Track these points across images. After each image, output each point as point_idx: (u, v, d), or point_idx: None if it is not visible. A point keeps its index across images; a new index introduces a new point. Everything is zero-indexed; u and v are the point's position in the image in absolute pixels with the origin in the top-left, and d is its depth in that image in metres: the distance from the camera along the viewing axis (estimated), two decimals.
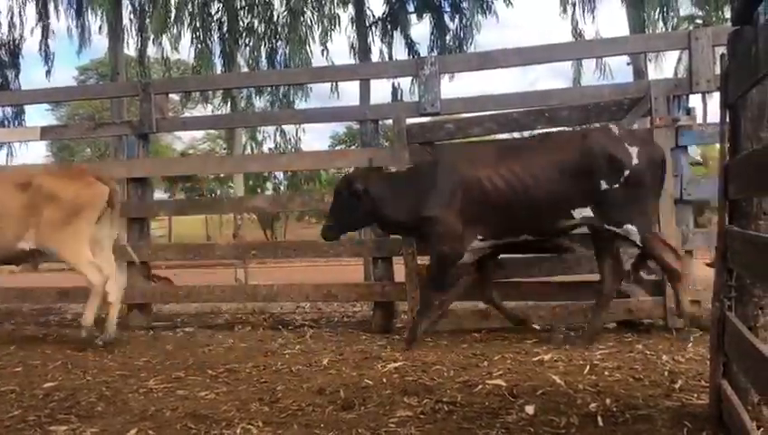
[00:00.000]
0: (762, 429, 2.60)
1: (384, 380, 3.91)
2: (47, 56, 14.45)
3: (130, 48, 14.60)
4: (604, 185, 4.43)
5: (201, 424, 3.19)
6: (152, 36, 14.38)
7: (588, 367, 4.00)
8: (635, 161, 4.41)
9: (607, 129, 4.71)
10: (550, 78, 59.56)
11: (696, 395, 3.32)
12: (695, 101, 5.35)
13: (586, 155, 4.48)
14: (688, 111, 5.26)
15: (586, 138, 4.59)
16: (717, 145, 3.29)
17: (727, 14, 13.77)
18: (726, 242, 2.64)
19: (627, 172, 4.40)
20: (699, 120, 5.38)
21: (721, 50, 2.86)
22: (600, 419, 3.04)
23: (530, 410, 3.21)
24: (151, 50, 14.97)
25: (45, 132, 6.94)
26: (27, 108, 14.12)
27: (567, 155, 4.53)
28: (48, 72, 14.44)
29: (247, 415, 3.31)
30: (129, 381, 4.11)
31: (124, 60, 13.74)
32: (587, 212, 4.52)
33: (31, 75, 61.69)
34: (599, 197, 4.46)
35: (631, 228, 4.43)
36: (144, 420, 3.29)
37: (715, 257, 2.81)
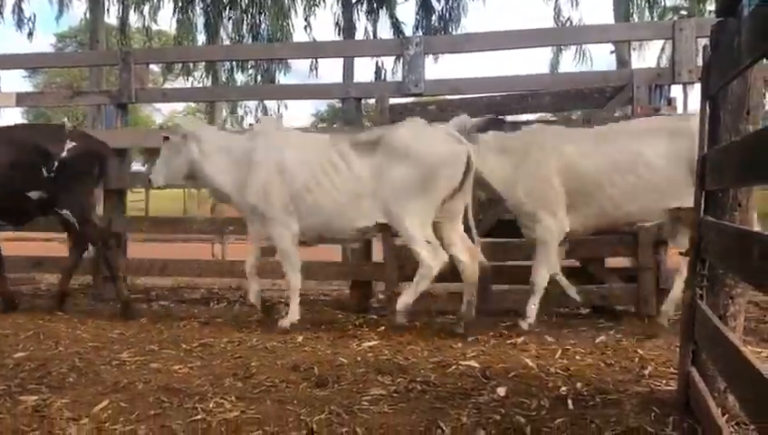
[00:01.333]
0: (726, 415, 2.66)
1: (359, 358, 3.93)
2: (20, 21, 14.05)
3: (111, 16, 14.28)
4: (45, 173, 5.13)
5: (174, 397, 3.18)
6: (133, 5, 14.09)
7: (560, 351, 4.05)
8: (64, 154, 5.15)
9: (56, 126, 5.58)
10: (536, 63, 59.58)
11: (664, 381, 3.39)
12: (676, 91, 5.42)
13: (28, 146, 5.16)
14: (669, 101, 5.30)
15: (33, 131, 5.48)
16: None
17: (710, 7, 13.86)
18: (701, 232, 2.68)
19: (56, 163, 5.13)
20: (680, 110, 5.43)
21: (704, 41, 2.88)
22: (570, 402, 3.08)
23: (501, 391, 3.24)
24: (133, 19, 14.69)
25: (21, 99, 6.81)
26: (3, 74, 13.79)
27: (17, 145, 5.17)
28: (30, 34, 14.05)
29: (221, 390, 3.31)
30: (101, 353, 4.08)
31: (104, 28, 13.42)
32: (40, 194, 5.19)
33: (9, 41, 60.44)
34: (43, 183, 5.15)
35: (67, 213, 5.22)
36: (116, 393, 3.28)
37: (688, 247, 2.84)
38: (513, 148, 4.65)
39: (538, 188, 4.52)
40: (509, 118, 6.26)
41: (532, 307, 4.64)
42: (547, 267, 4.62)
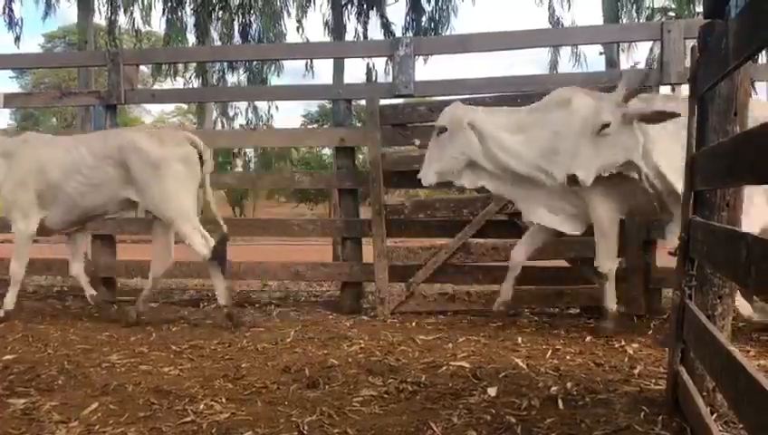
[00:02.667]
0: (715, 414, 2.68)
1: (349, 359, 3.93)
2: (11, 21, 13.87)
3: (101, 17, 14.17)
4: None
5: (164, 399, 3.17)
6: (123, 6, 14.02)
7: (550, 351, 4.07)
8: None
9: None
10: (526, 64, 59.81)
11: (654, 381, 3.40)
12: (664, 92, 5.43)
13: None
14: None
15: None
16: None
17: (698, 8, 13.96)
18: (690, 232, 2.70)
19: None
20: None
21: (692, 42, 2.90)
22: (560, 401, 3.10)
23: (492, 391, 3.25)
24: (122, 20, 14.59)
25: (9, 100, 6.76)
26: None
27: None
28: (17, 39, 13.81)
29: (211, 391, 3.30)
30: (91, 356, 4.06)
31: (93, 29, 13.31)
32: None
33: None
34: None
35: None
36: (105, 395, 3.26)
37: (677, 247, 2.86)
38: (10, 152, 5.19)
39: (15, 191, 5.10)
40: None
41: (11, 297, 5.18)
42: (21, 262, 5.19)
